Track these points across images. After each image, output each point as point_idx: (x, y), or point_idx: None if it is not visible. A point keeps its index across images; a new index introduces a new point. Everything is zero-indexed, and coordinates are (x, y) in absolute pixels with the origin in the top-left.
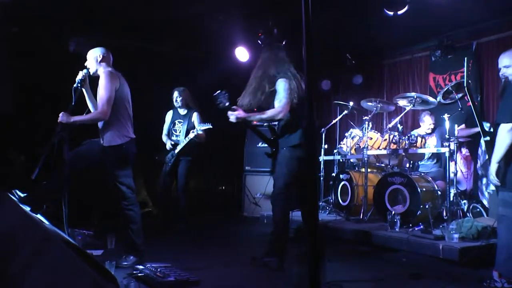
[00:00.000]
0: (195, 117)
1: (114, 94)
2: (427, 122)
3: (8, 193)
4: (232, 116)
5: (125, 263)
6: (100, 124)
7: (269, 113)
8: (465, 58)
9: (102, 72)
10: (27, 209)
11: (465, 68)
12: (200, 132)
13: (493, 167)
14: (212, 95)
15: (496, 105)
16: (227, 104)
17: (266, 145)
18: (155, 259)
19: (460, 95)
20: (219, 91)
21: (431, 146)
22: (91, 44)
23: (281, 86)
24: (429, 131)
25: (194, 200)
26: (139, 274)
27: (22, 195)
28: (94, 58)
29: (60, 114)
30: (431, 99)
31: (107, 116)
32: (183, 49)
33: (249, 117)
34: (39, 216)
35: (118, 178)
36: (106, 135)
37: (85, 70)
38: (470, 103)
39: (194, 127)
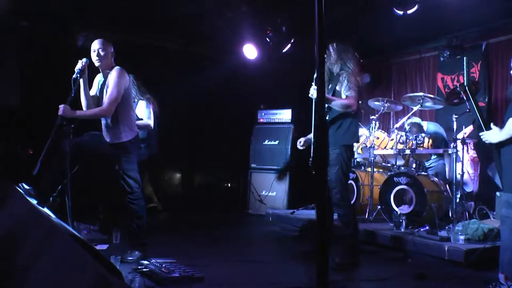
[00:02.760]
0: (140, 106)
1: (122, 93)
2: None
3: (16, 186)
4: (315, 93)
5: (130, 258)
6: (109, 120)
7: (342, 102)
8: (464, 58)
9: (114, 69)
10: (34, 202)
11: (464, 68)
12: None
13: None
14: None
15: (505, 106)
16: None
17: (274, 142)
18: (160, 254)
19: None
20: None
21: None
22: (99, 39)
23: (348, 81)
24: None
25: (199, 196)
26: (144, 269)
27: (28, 188)
28: (104, 51)
29: (61, 107)
30: (438, 99)
31: (111, 114)
32: (191, 46)
33: (327, 98)
34: (45, 209)
35: (126, 172)
36: (117, 131)
37: (84, 60)
38: (473, 103)
39: (138, 118)
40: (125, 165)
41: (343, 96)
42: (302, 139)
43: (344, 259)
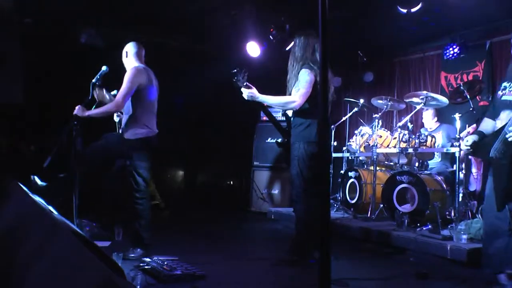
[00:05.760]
0: None
1: (134, 89)
2: (426, 118)
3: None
4: (246, 93)
5: (132, 255)
6: (126, 116)
7: (282, 99)
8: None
9: (129, 68)
10: (36, 198)
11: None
12: None
13: None
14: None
15: None
16: (244, 83)
17: (275, 139)
18: (162, 252)
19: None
20: (238, 68)
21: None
22: (102, 36)
23: (303, 76)
24: (433, 125)
25: (202, 194)
26: (146, 267)
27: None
28: (127, 53)
29: (76, 107)
30: (442, 98)
31: (121, 108)
32: (194, 43)
33: (260, 98)
34: (48, 205)
35: (136, 169)
36: (130, 128)
37: (104, 67)
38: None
39: None
40: (136, 161)
41: (293, 92)
42: None
43: (287, 255)
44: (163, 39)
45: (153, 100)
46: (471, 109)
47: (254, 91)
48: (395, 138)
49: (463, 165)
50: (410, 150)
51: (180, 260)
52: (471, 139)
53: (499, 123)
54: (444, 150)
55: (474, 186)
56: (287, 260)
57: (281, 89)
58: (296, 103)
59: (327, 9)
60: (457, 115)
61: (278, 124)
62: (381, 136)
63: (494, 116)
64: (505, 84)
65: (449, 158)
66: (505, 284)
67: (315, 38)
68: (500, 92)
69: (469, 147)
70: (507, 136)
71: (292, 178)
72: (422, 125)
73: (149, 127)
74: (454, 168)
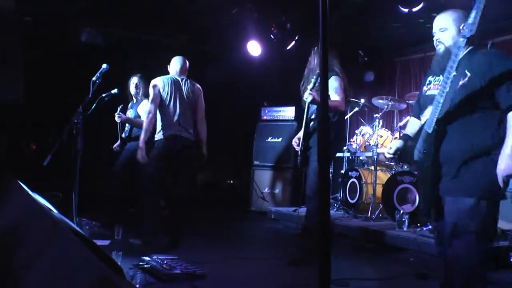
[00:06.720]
0: (143, 105)
1: (155, 104)
2: None
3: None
4: (310, 97)
5: (131, 240)
6: None
7: (334, 103)
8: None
9: None
10: (36, 196)
11: None
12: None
13: None
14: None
15: None
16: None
17: (277, 140)
18: (161, 251)
19: None
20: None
21: None
22: (102, 35)
23: (333, 83)
24: None
25: (202, 193)
26: (145, 266)
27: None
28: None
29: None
30: None
31: (153, 115)
32: (194, 43)
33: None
34: (47, 203)
35: (143, 168)
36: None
37: (104, 65)
38: None
39: (137, 115)
40: (149, 162)
41: (334, 97)
42: (296, 139)
43: (288, 254)
44: (163, 39)
45: (171, 107)
46: None
47: (315, 94)
48: (395, 138)
49: None
50: None
51: (180, 259)
52: (394, 145)
53: (424, 120)
54: None
55: None
56: (289, 259)
57: (282, 88)
58: (343, 107)
59: (328, 9)
60: None
61: (306, 131)
62: (381, 136)
63: (420, 114)
64: (430, 78)
65: None
66: None
67: (332, 50)
68: (425, 88)
69: (392, 155)
70: (426, 129)
71: (310, 177)
72: None
73: (164, 132)
74: None
